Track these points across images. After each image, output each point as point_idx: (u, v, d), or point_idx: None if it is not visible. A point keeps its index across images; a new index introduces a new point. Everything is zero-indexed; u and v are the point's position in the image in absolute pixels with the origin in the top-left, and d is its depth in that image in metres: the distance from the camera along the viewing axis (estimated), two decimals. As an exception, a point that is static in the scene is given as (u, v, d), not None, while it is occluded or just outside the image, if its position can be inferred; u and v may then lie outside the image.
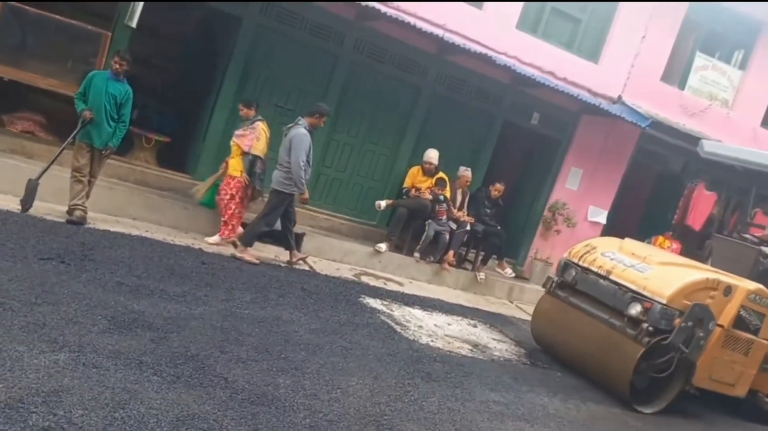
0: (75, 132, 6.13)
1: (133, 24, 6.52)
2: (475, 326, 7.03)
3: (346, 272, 7.63)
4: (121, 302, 4.42)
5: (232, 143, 6.98)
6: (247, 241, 6.77)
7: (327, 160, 8.63)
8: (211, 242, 6.86)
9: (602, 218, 10.37)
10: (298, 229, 7.96)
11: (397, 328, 5.96)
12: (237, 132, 6.97)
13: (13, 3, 6.55)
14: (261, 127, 6.93)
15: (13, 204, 5.88)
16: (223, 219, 6.97)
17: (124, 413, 3.03)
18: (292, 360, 4.38)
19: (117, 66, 6.21)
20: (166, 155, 8.00)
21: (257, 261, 6.69)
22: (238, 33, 7.71)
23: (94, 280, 4.70)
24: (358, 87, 8.53)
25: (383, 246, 8.37)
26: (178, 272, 5.53)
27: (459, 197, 9.08)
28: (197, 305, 4.88)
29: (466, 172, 9.01)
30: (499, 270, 9.53)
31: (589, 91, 9.48)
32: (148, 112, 8.60)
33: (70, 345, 3.55)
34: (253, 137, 6.86)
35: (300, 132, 6.70)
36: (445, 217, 8.53)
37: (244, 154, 6.88)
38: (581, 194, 10.21)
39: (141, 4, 6.43)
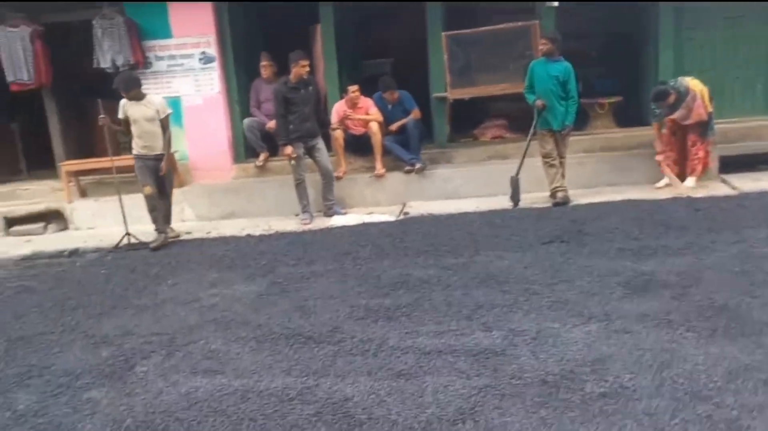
0: (534, 123, 6.55)
1: (555, 4, 6.65)
2: None
3: None
4: (628, 266, 4.44)
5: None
6: None
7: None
8: (689, 186, 6.50)
9: None
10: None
11: None
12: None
13: (451, 33, 7.44)
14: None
15: (505, 203, 6.60)
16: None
17: (671, 372, 2.99)
18: None
19: (542, 47, 6.46)
20: (623, 114, 7.83)
21: None
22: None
23: (596, 251, 4.86)
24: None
25: None
26: (674, 225, 5.29)
27: None
28: (706, 254, 4.55)
29: None
30: None
31: None
32: (590, 80, 8.61)
33: (596, 316, 3.71)
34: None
35: None
36: None
37: None
38: None
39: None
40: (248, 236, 6.60)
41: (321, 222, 6.86)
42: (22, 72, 7.79)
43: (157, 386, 3.39)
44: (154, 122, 6.33)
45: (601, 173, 7.06)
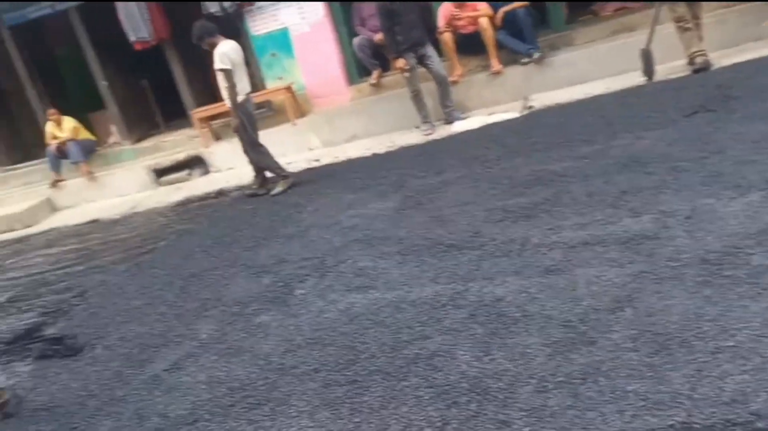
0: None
1: None
2: None
3: None
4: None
5: None
6: None
7: None
8: None
9: None
10: None
11: None
12: None
13: None
14: None
15: (638, 78, 6.14)
16: None
17: None
18: None
19: None
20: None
21: None
22: None
23: (748, 116, 4.44)
24: None
25: None
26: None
27: None
28: None
29: None
30: None
31: None
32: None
33: (756, 185, 3.43)
34: None
35: None
36: None
37: None
38: None
39: None
40: (374, 155, 6.70)
41: (443, 130, 6.80)
42: (141, 30, 8.20)
43: (317, 305, 3.63)
44: (218, 73, 5.97)
45: (745, 28, 6.32)
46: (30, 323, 4.87)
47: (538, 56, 6.94)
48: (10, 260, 7.02)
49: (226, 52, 5.91)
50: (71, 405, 3.43)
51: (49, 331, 4.49)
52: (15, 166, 9.84)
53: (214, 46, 5.98)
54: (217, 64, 5.91)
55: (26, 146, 10.16)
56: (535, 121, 5.91)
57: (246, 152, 6.40)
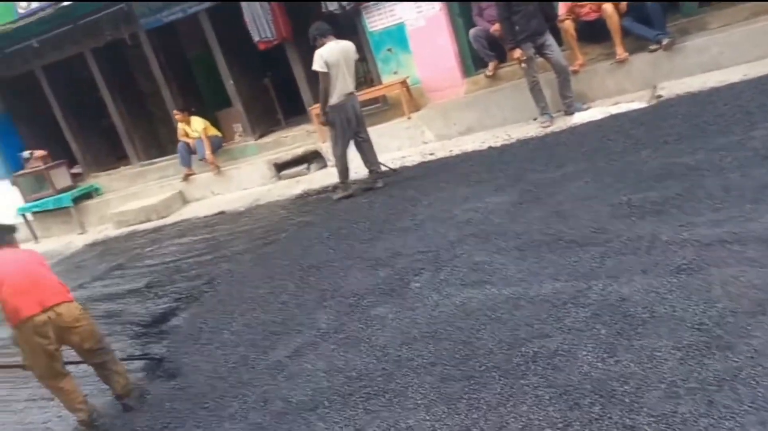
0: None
1: None
2: None
3: None
4: None
5: None
6: None
7: None
8: None
9: None
10: None
11: None
12: None
13: None
14: None
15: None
16: None
17: None
18: None
19: None
20: None
21: None
22: None
23: None
24: None
25: None
26: None
27: None
28: None
29: None
30: None
31: None
32: None
33: None
34: None
35: None
36: None
37: None
38: None
39: None
40: (490, 148, 6.60)
41: (562, 122, 6.57)
42: (265, 30, 8.55)
43: (433, 299, 3.63)
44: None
45: None
46: (165, 307, 5.25)
47: (668, 42, 6.53)
48: (148, 249, 7.60)
49: (322, 54, 6.10)
50: (202, 386, 3.67)
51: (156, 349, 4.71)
52: (151, 161, 10.62)
53: (323, 45, 6.17)
54: (313, 65, 6.14)
55: (162, 142, 10.95)
56: (664, 111, 5.57)
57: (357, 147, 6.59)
